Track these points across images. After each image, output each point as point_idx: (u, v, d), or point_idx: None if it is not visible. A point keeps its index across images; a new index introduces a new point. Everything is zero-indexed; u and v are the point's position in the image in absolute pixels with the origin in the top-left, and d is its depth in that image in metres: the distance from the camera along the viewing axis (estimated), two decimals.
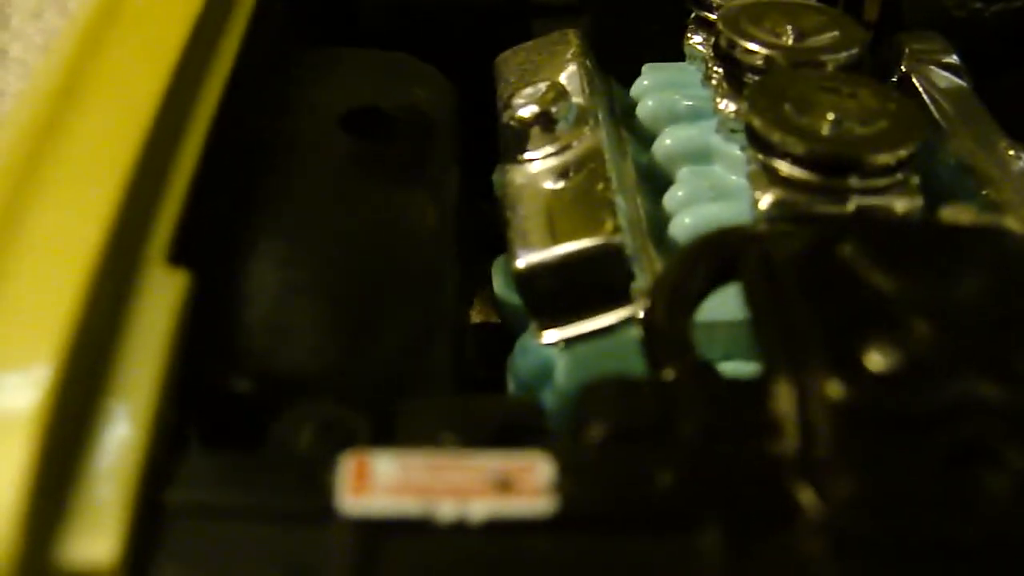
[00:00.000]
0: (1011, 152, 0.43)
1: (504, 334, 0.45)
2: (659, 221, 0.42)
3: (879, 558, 0.28)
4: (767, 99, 0.39)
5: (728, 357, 0.40)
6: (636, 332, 0.39)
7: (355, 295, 0.38)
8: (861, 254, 0.33)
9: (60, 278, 0.31)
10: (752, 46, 0.43)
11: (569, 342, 0.40)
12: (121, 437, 0.29)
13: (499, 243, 0.42)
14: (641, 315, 0.38)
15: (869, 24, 0.53)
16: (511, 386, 0.42)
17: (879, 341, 0.30)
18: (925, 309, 0.31)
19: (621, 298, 0.39)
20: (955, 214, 0.38)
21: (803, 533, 0.28)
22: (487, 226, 0.46)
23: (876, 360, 0.30)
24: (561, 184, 0.41)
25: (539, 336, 0.40)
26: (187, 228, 0.35)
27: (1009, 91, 0.49)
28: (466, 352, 0.46)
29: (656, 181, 0.45)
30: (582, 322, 0.39)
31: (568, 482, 0.29)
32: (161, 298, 0.32)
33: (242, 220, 0.38)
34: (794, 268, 0.33)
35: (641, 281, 0.39)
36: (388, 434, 0.31)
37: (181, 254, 0.34)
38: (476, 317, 0.50)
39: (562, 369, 0.40)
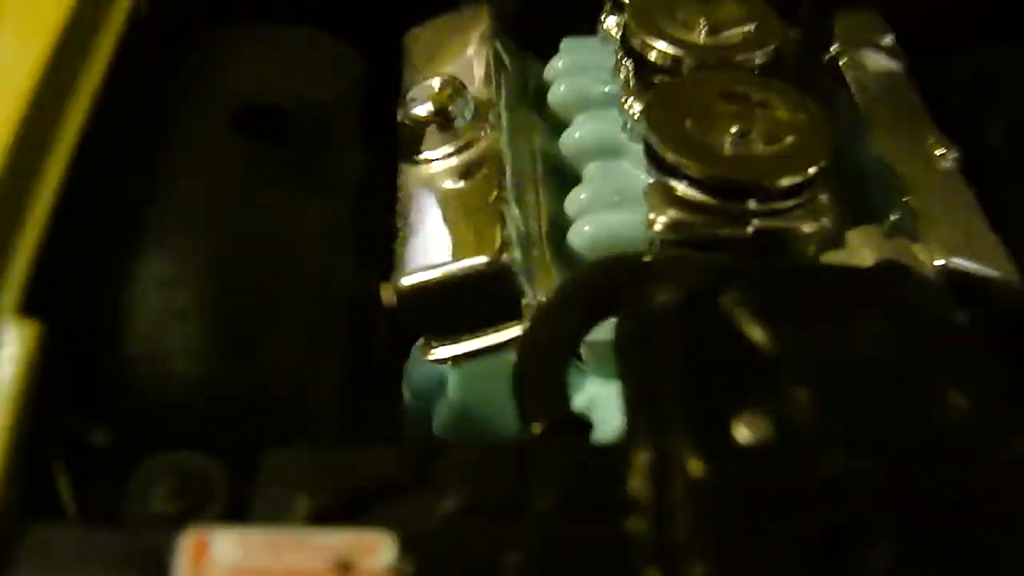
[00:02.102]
0: (938, 151, 0.41)
1: None
2: (559, 223, 0.41)
3: None
4: (667, 111, 0.37)
5: None
6: None
7: (236, 316, 0.37)
8: (744, 304, 0.31)
9: None
10: (660, 45, 0.40)
11: (458, 359, 0.38)
12: None
13: None
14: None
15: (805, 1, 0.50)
16: (406, 395, 0.41)
17: (749, 410, 0.29)
18: (805, 370, 0.30)
19: (511, 315, 0.38)
20: (861, 242, 0.36)
21: None
22: None
23: (744, 432, 0.29)
24: (456, 186, 0.40)
25: (426, 353, 0.39)
26: (50, 263, 0.33)
27: (947, 73, 0.47)
28: (375, 341, 0.45)
29: (566, 172, 0.43)
30: (471, 339, 0.38)
31: (411, 564, 0.28)
32: (8, 354, 0.31)
33: (119, 238, 0.37)
34: (670, 321, 0.31)
35: (531, 296, 0.38)
36: (245, 490, 0.31)
37: (44, 292, 0.32)
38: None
39: (453, 385, 0.39)
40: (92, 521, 0.32)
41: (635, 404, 0.30)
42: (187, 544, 0.28)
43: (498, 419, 0.37)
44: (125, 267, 0.36)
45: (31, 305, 0.32)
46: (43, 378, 0.31)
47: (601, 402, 0.36)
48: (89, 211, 0.36)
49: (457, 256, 0.37)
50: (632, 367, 0.31)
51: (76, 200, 0.35)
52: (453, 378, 0.39)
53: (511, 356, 0.38)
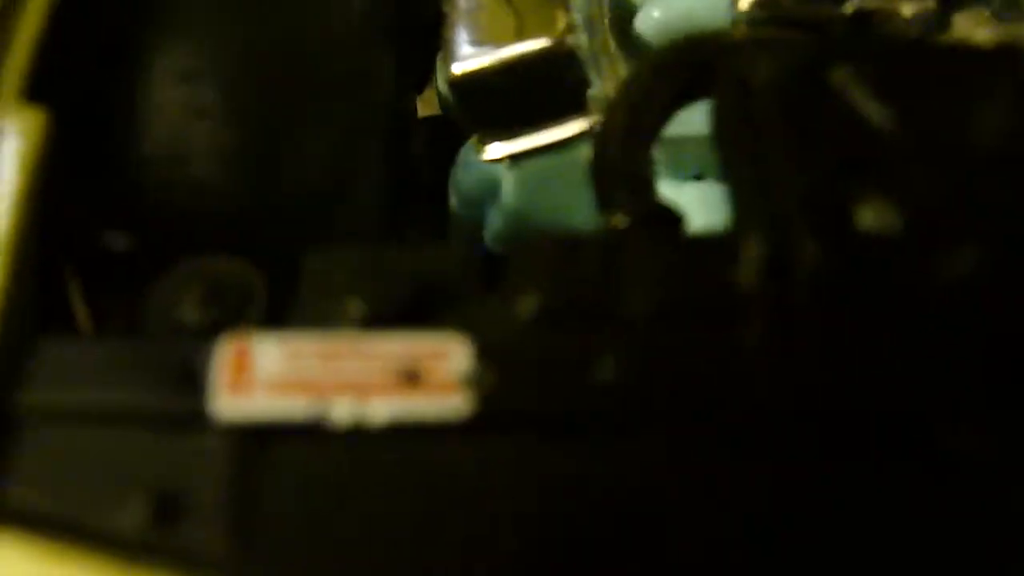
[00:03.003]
0: None
1: (454, 128, 0.40)
2: (624, 7, 0.36)
3: None
4: None
5: (700, 175, 0.35)
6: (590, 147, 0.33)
7: (266, 111, 0.33)
8: (858, 81, 0.27)
9: None
10: None
11: (516, 158, 0.34)
12: None
13: None
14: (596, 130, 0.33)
15: None
16: (453, 200, 0.37)
17: (873, 195, 0.25)
18: (932, 154, 0.26)
19: (574, 107, 0.34)
20: (970, 26, 0.32)
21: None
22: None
23: (868, 218, 0.25)
24: None
25: (481, 151, 0.35)
26: (57, 49, 0.29)
27: None
28: (411, 148, 0.41)
29: None
30: (530, 135, 0.34)
31: (490, 373, 0.24)
32: (13, 142, 0.27)
33: (134, 25, 0.33)
34: (777, 98, 0.27)
35: (598, 87, 0.34)
36: (286, 297, 0.27)
37: (48, 83, 0.28)
38: (426, 109, 0.44)
39: (508, 188, 0.35)
40: (111, 334, 0.28)
41: (743, 189, 0.26)
42: (226, 353, 0.24)
43: (561, 224, 0.34)
44: (142, 58, 0.32)
45: (37, 95, 0.28)
46: (51, 175, 0.27)
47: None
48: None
49: (518, 37, 0.33)
50: (737, 149, 0.27)
51: None
52: (507, 180, 0.35)
53: (576, 153, 0.34)
